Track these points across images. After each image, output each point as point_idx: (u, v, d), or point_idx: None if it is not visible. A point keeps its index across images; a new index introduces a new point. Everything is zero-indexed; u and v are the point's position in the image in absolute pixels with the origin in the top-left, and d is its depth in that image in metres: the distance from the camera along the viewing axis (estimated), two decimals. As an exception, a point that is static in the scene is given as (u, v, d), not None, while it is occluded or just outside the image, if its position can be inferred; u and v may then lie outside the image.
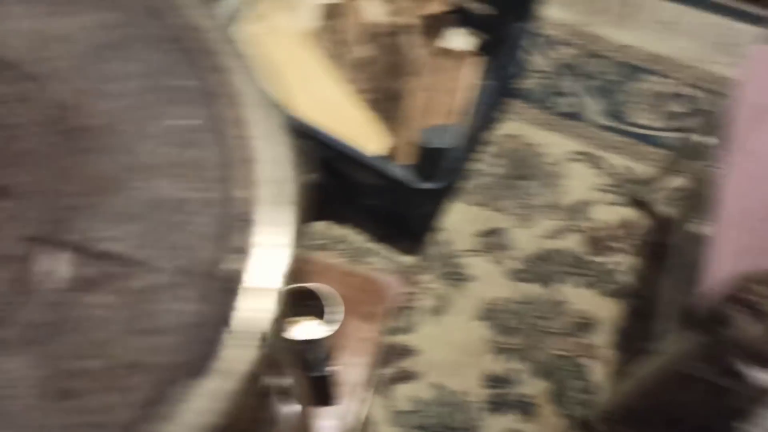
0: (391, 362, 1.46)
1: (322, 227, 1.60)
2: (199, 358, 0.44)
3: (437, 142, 1.27)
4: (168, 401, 0.42)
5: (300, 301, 1.38)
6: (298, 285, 1.36)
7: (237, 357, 0.45)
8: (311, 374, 1.30)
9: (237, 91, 0.61)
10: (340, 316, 1.35)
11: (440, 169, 1.34)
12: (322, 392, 1.37)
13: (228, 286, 0.48)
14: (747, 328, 0.85)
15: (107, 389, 0.43)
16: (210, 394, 0.43)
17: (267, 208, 0.54)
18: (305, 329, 1.38)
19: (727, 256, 0.96)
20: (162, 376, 0.43)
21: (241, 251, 0.50)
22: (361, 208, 1.58)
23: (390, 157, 1.45)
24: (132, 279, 0.47)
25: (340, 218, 1.61)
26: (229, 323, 0.46)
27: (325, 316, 1.33)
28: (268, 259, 0.50)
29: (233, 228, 0.52)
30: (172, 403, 0.42)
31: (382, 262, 1.57)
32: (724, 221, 1.00)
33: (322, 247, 1.57)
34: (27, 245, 0.47)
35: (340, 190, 1.54)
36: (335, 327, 1.31)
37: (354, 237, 1.59)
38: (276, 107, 0.66)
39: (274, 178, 0.61)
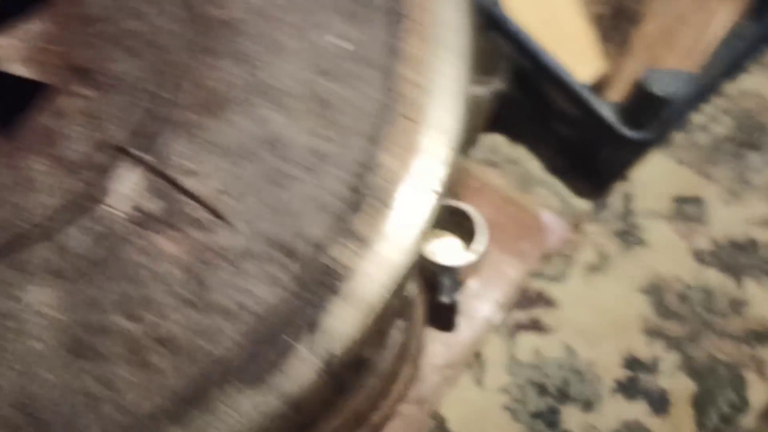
0: (526, 307, 1.35)
1: (495, 141, 1.46)
2: (258, 363, 0.36)
3: (661, 89, 1.06)
4: (202, 404, 0.35)
5: (448, 217, 1.29)
6: (452, 202, 1.26)
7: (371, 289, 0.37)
8: (440, 299, 1.23)
9: (432, 17, 0.49)
10: (486, 246, 1.25)
11: (655, 121, 1.13)
12: (445, 318, 1.30)
13: (329, 281, 0.39)
14: None
15: (132, 362, 0.36)
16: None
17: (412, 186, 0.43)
18: (447, 251, 1.29)
19: None
20: (205, 370, 0.36)
21: (363, 241, 0.40)
22: (548, 132, 1.41)
23: (600, 88, 1.25)
24: (209, 234, 0.38)
25: (520, 136, 1.45)
26: (315, 329, 0.36)
27: (473, 243, 1.23)
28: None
29: (362, 207, 0.42)
30: (205, 408, 0.34)
31: (551, 198, 1.41)
32: None
33: (490, 164, 1.44)
34: (95, 150, 0.40)
35: (529, 107, 1.38)
36: (478, 257, 1.22)
37: (529, 161, 1.45)
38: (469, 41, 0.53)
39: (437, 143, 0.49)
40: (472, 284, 1.36)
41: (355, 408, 1.02)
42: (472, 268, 1.33)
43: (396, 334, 1.07)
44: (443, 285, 1.24)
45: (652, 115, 1.12)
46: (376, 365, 0.92)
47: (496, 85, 1.31)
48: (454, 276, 1.25)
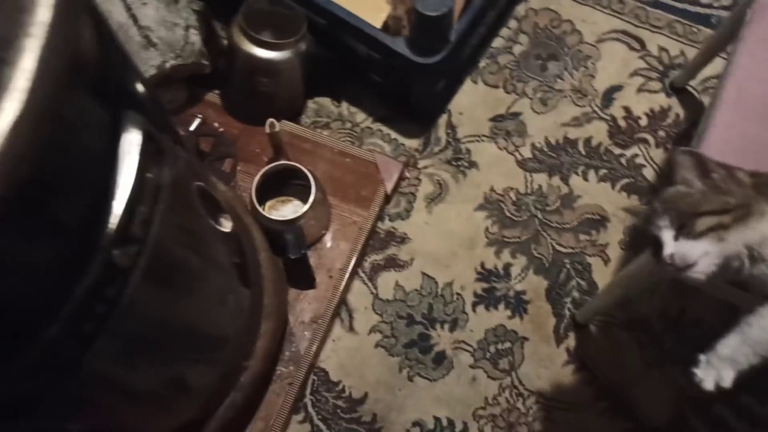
0: (380, 249, 1.41)
1: (321, 104, 1.52)
2: None
3: (431, 9, 1.14)
4: None
5: (284, 180, 1.34)
6: (282, 162, 1.31)
7: None
8: (289, 256, 1.28)
9: None
10: (319, 197, 1.30)
11: (437, 41, 1.22)
12: (300, 274, 1.35)
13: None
14: (686, 181, 0.81)
15: None
16: None
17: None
18: (289, 212, 1.34)
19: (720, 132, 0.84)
20: None
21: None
22: (365, 85, 1.49)
23: (391, 27, 1.33)
24: None
25: (343, 95, 1.52)
26: None
27: (310, 199, 1.28)
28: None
29: None
30: None
31: (383, 145, 1.49)
32: (725, 101, 0.87)
33: (321, 126, 1.50)
34: None
35: (341, 63, 1.45)
36: (309, 206, 1.27)
37: (358, 116, 1.52)
38: None
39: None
40: (325, 239, 1.41)
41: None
42: (318, 222, 1.38)
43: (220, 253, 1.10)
44: (288, 241, 1.28)
45: (431, 35, 1.21)
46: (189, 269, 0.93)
47: (302, 47, 1.37)
48: (297, 232, 1.30)
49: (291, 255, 1.28)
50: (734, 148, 0.87)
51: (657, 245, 0.81)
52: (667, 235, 0.80)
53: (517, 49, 1.56)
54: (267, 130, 1.30)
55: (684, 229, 0.78)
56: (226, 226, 1.11)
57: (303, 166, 1.29)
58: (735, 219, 0.76)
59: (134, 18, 1.30)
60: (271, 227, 1.30)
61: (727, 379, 0.73)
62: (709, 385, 0.75)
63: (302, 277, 1.36)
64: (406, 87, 1.41)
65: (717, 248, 0.77)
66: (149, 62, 1.31)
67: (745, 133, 0.86)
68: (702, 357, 0.77)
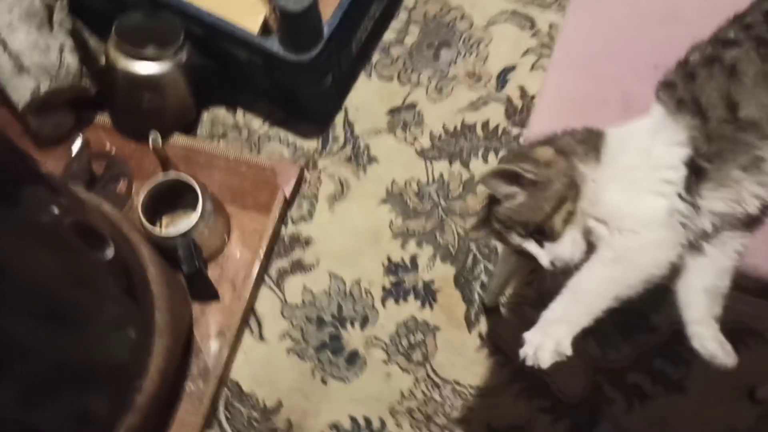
0: (285, 254, 1.40)
1: (215, 115, 1.50)
2: None
3: (291, 4, 1.13)
4: None
5: (180, 193, 1.32)
6: (166, 176, 1.29)
7: None
8: (186, 270, 1.26)
9: None
10: (209, 207, 1.28)
11: (308, 38, 1.21)
12: (201, 288, 1.33)
13: None
14: (509, 197, 0.78)
15: None
16: None
17: None
18: (182, 223, 1.32)
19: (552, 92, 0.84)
20: None
21: None
22: (258, 90, 1.48)
23: (270, 28, 1.32)
24: None
25: (237, 103, 1.51)
26: None
27: (198, 209, 1.27)
28: None
29: None
30: None
31: (281, 148, 1.48)
32: (555, 61, 0.87)
33: (217, 136, 1.49)
34: None
35: (225, 71, 1.43)
36: (198, 218, 1.25)
37: (254, 123, 1.51)
38: None
39: None
40: (227, 249, 1.39)
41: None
42: (215, 233, 1.36)
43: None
44: (180, 256, 1.26)
45: (297, 31, 1.20)
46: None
47: (183, 58, 1.35)
48: (189, 246, 1.27)
49: (184, 270, 1.26)
50: (565, 106, 0.86)
51: (530, 256, 0.79)
52: (532, 247, 0.78)
53: (409, 39, 1.56)
54: (150, 145, 1.28)
55: (543, 235, 0.77)
56: (109, 252, 1.09)
57: (190, 177, 1.27)
58: (574, 199, 0.75)
59: (3, 44, 1.28)
60: (163, 243, 1.27)
61: (565, 343, 0.71)
62: (544, 359, 0.71)
63: (204, 290, 1.34)
64: (294, 88, 1.39)
65: (580, 233, 0.76)
66: (22, 89, 1.29)
67: (575, 89, 0.86)
68: (526, 334, 0.73)
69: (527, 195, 0.76)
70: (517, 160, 0.78)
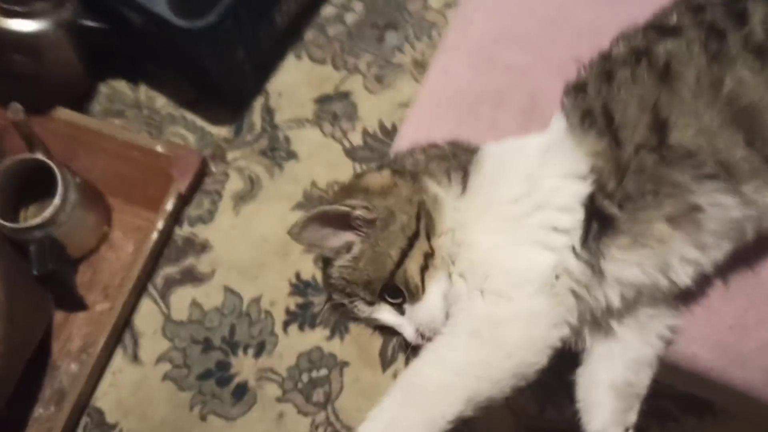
0: (176, 259, 1.17)
1: (115, 88, 1.28)
2: None
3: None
4: None
5: (46, 179, 1.09)
6: (22, 157, 1.07)
7: None
8: (35, 270, 1.04)
9: None
10: (74, 198, 1.07)
11: (193, 3, 0.99)
12: (64, 293, 1.11)
13: None
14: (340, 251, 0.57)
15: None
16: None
17: None
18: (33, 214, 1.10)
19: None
20: None
21: None
22: (163, 65, 1.25)
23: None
24: None
25: (141, 76, 1.29)
26: None
27: (56, 199, 1.05)
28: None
29: None
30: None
31: (186, 134, 1.26)
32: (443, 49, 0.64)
33: (112, 114, 1.26)
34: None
35: (125, 38, 1.21)
36: (54, 210, 1.04)
37: (158, 101, 1.28)
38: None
39: None
40: (102, 249, 1.17)
41: None
42: (86, 229, 1.14)
43: None
44: (31, 254, 1.04)
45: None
46: None
47: (64, 15, 1.13)
48: (42, 243, 1.05)
49: (34, 271, 1.04)
50: (450, 108, 0.63)
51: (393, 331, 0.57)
52: (388, 317, 0.55)
53: (351, 18, 1.33)
54: (10, 116, 1.06)
55: (398, 297, 0.54)
56: None
57: (48, 159, 1.05)
58: (429, 234, 0.53)
59: None
60: (16, 237, 1.05)
61: None
62: None
63: (66, 296, 1.12)
64: (200, 63, 1.17)
65: (445, 282, 0.53)
66: None
67: (466, 85, 0.62)
68: None
69: (364, 241, 0.54)
70: (340, 195, 0.55)
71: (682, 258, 0.49)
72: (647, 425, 1.09)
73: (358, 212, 0.53)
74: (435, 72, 0.64)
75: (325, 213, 0.54)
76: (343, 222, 0.54)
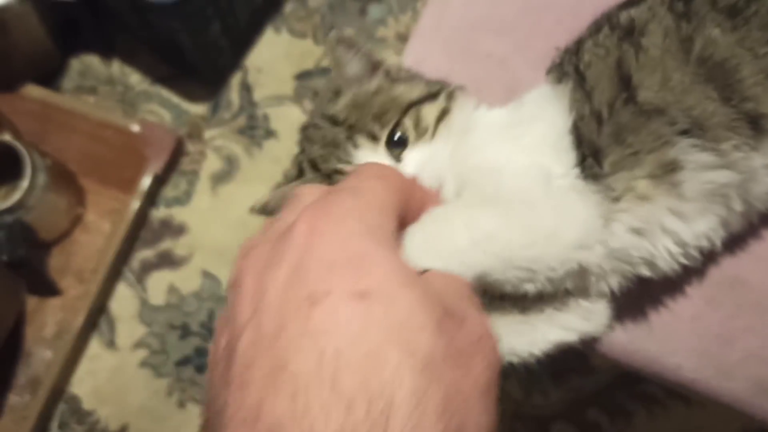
0: (153, 242, 1.14)
1: (87, 63, 1.23)
2: None
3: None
4: None
5: (15, 161, 1.05)
6: None
7: None
8: (6, 256, 1.00)
9: None
10: (43, 180, 1.03)
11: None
12: (36, 278, 1.08)
13: None
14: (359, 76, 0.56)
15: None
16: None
17: None
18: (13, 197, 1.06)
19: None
20: None
21: None
22: (137, 39, 1.20)
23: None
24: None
25: (115, 52, 1.24)
26: None
27: (24, 181, 1.01)
28: None
29: None
30: None
31: (161, 111, 1.22)
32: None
33: (84, 90, 1.22)
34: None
35: (97, 13, 1.16)
36: (23, 193, 1.00)
37: (132, 77, 1.24)
38: None
39: None
40: (76, 232, 1.14)
41: None
42: (57, 212, 1.11)
43: None
44: (0, 240, 1.01)
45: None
46: None
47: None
48: (11, 227, 1.02)
49: (4, 256, 1.00)
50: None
51: None
52: (385, 161, 0.52)
53: (331, -12, 1.28)
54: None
55: (399, 146, 0.51)
56: None
57: (14, 140, 1.01)
58: (450, 97, 0.53)
59: None
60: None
61: None
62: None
63: (39, 281, 1.09)
64: (174, 37, 1.12)
65: (456, 145, 0.51)
66: None
67: (437, 73, 0.58)
68: None
69: (386, 81, 0.54)
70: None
71: (664, 229, 0.46)
72: (634, 411, 1.08)
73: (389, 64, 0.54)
74: (408, 60, 0.60)
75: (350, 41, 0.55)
76: (372, 66, 0.55)
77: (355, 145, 0.51)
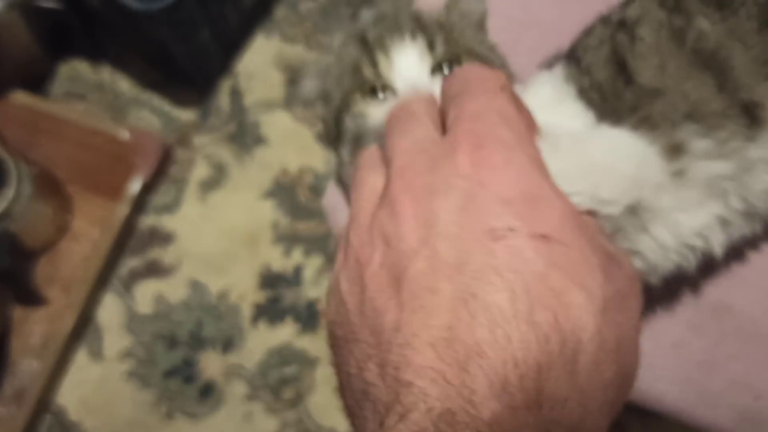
0: (141, 251, 1.13)
1: (76, 69, 1.22)
2: None
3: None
4: None
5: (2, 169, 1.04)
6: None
7: None
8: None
9: None
10: (27, 190, 1.02)
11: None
12: (22, 288, 1.07)
13: None
14: None
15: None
16: None
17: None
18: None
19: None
20: None
21: None
22: (127, 45, 1.19)
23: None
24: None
25: (105, 58, 1.23)
26: None
27: (10, 190, 1.00)
28: None
29: None
30: None
31: (150, 117, 1.21)
32: None
33: (74, 96, 1.21)
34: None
35: (85, 20, 1.15)
36: (8, 203, 0.99)
37: (122, 84, 1.23)
38: None
39: None
40: (63, 242, 1.13)
41: None
42: (43, 221, 1.10)
43: None
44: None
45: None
46: None
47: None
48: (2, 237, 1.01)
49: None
50: None
51: None
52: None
53: (322, -6, 1.26)
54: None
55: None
56: None
57: (5, 149, 1.00)
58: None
59: None
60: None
61: None
62: None
63: (25, 291, 1.08)
64: (163, 43, 1.11)
65: None
66: None
67: None
68: None
69: None
70: None
71: (662, 212, 0.45)
72: (629, 423, 1.06)
73: None
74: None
75: None
76: None
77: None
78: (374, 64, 0.48)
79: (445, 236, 0.32)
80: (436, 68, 0.48)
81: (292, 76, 1.21)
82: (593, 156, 0.43)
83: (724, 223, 0.47)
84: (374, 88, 0.48)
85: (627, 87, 0.47)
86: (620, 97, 0.47)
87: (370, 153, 0.40)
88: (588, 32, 0.51)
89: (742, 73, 0.47)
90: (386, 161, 0.38)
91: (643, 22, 0.49)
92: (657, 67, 0.47)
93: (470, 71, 0.40)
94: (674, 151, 0.46)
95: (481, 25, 0.54)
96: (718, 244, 0.48)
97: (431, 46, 0.48)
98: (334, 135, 0.52)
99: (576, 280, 0.31)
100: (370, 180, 0.38)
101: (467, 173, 0.33)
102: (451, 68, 0.48)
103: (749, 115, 0.46)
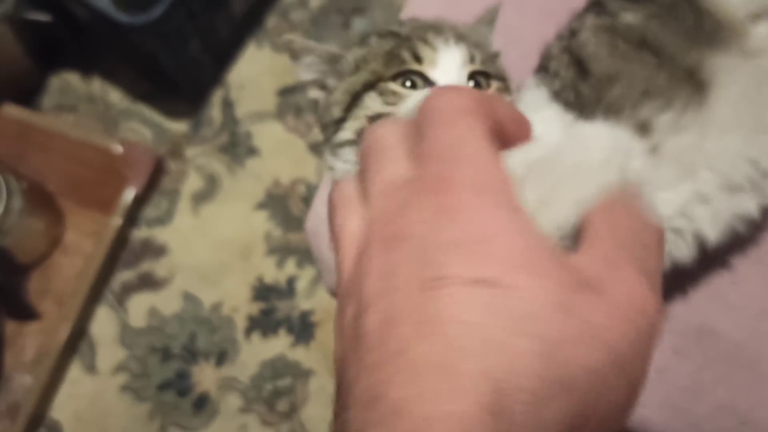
0: (134, 263, 1.13)
1: (67, 81, 1.22)
2: None
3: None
4: None
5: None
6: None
7: None
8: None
9: None
10: (19, 205, 1.02)
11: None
12: (15, 303, 1.07)
13: None
14: None
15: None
16: None
17: None
18: None
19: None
20: None
21: None
22: (117, 57, 1.19)
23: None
24: None
25: (95, 69, 1.22)
26: None
27: (1, 205, 1.00)
28: None
29: None
30: None
31: (142, 129, 1.20)
32: None
33: (64, 109, 1.21)
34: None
35: (74, 32, 1.15)
36: (10, 219, 0.99)
37: (113, 95, 1.22)
38: None
39: None
40: (55, 255, 1.13)
41: None
42: (35, 235, 1.10)
43: None
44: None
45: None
46: None
47: (6, 8, 1.06)
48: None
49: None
50: None
51: None
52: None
53: (315, 2, 1.26)
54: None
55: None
56: None
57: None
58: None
59: None
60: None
61: None
62: None
63: (18, 305, 1.08)
64: (153, 54, 1.11)
65: None
66: None
67: None
68: None
69: None
70: None
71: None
72: None
73: None
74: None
75: None
76: None
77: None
78: (417, 57, 0.49)
79: (395, 289, 0.32)
80: (470, 77, 0.49)
81: (292, 55, 1.21)
82: (567, 163, 0.43)
83: (702, 198, 0.48)
84: (408, 77, 0.48)
85: (586, 80, 0.50)
86: (585, 90, 0.50)
87: (347, 192, 0.39)
88: (549, 47, 0.54)
89: (671, 47, 0.50)
90: (365, 197, 0.38)
91: (585, 28, 0.53)
92: (606, 57, 0.50)
93: (450, 98, 0.39)
94: (643, 129, 0.47)
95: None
96: (706, 223, 0.47)
97: (472, 58, 0.49)
98: (337, 114, 0.52)
99: (516, 326, 0.30)
100: (348, 226, 0.37)
101: (427, 219, 0.33)
102: (477, 84, 0.49)
103: (692, 81, 0.49)
